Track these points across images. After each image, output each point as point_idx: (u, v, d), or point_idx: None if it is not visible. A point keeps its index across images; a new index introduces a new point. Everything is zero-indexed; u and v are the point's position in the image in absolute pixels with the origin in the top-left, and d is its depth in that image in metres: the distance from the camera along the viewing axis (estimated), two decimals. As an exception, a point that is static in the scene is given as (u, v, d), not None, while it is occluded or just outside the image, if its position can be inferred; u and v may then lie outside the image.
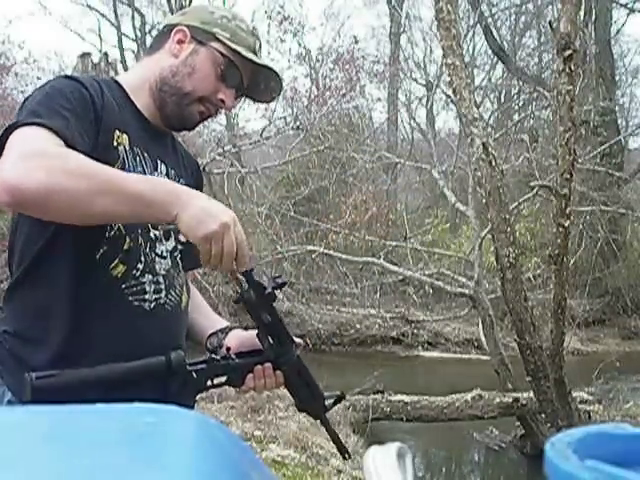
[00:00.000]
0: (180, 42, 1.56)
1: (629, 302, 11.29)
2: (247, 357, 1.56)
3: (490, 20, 13.65)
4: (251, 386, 1.56)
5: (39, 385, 1.26)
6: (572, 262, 8.45)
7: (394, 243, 10.63)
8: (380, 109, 15.33)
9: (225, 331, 1.66)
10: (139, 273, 1.47)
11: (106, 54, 6.07)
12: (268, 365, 1.56)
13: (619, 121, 12.81)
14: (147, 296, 1.48)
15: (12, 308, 1.45)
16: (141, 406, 0.55)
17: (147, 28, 18.85)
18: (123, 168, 1.44)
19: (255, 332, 1.57)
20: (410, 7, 16.48)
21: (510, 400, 6.21)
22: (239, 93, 1.60)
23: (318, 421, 1.69)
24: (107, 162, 1.36)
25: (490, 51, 13.75)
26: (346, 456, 1.72)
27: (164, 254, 1.54)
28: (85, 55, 5.99)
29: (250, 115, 26.57)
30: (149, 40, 18.92)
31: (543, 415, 5.90)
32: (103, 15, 18.74)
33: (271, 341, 1.55)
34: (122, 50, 18.26)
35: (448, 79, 5.86)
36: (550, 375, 5.54)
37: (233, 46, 1.56)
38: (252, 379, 1.55)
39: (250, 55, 1.58)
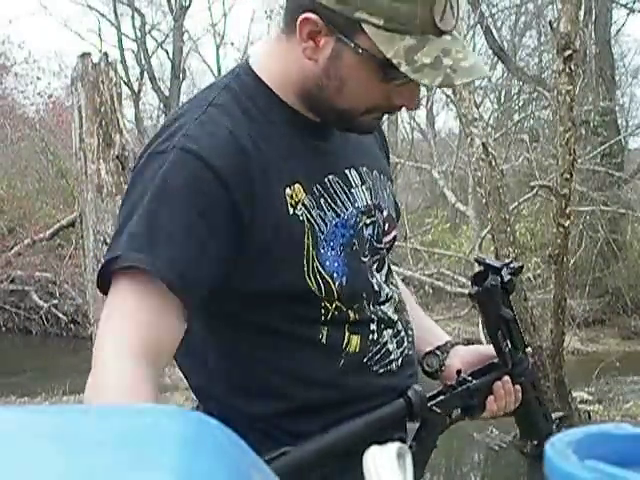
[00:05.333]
0: (311, 37, 1.07)
1: (629, 302, 11.27)
2: (484, 375, 1.27)
3: (490, 20, 13.64)
4: (493, 410, 1.27)
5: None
6: (572, 262, 8.44)
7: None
8: (380, 109, 15.28)
9: (445, 349, 1.34)
10: (377, 335, 1.19)
11: (106, 54, 6.06)
12: (507, 379, 1.27)
13: (619, 121, 12.79)
14: (393, 356, 1.21)
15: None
16: (140, 406, 0.55)
17: (147, 28, 18.85)
18: (316, 238, 1.12)
19: (476, 347, 1.35)
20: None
21: (510, 400, 6.21)
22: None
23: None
24: (293, 245, 1.10)
25: (490, 51, 13.73)
26: None
27: (388, 294, 1.23)
28: (85, 55, 5.98)
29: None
30: (149, 40, 18.95)
31: (543, 415, 5.90)
32: (103, 15, 18.74)
33: (509, 346, 1.27)
34: (122, 50, 18.26)
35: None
36: (550, 375, 5.54)
37: (385, 45, 1.03)
38: (493, 402, 1.26)
39: (418, 43, 1.02)
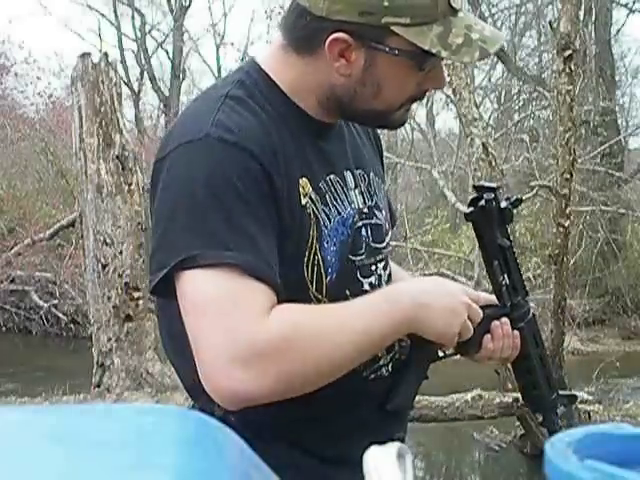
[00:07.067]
0: (341, 54, 1.10)
1: (629, 302, 11.27)
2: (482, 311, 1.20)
3: (490, 20, 13.63)
4: (489, 348, 1.21)
5: None
6: (572, 262, 8.44)
7: (394, 243, 10.62)
8: (380, 109, 15.24)
9: None
10: None
11: (106, 54, 6.05)
12: (505, 320, 1.21)
13: (619, 121, 12.78)
14: (382, 361, 1.22)
15: None
16: (141, 406, 0.55)
17: (147, 28, 18.84)
18: (320, 232, 1.15)
19: (475, 291, 1.26)
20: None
21: (510, 400, 6.21)
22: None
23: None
24: (302, 234, 1.13)
25: (490, 51, 13.71)
26: None
27: None
28: (85, 55, 5.98)
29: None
30: (149, 40, 18.94)
31: (543, 415, 5.89)
32: (103, 15, 18.73)
33: (507, 281, 1.22)
34: (122, 50, 18.26)
35: (448, 79, 5.85)
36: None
37: (420, 39, 1.07)
38: (490, 340, 1.21)
39: (445, 27, 1.08)
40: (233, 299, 1.01)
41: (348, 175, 1.23)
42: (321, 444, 1.18)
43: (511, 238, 1.22)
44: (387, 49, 1.09)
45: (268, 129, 1.11)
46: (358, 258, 1.21)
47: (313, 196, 1.14)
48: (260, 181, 1.07)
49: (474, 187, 1.24)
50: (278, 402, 1.11)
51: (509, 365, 1.29)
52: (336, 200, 1.18)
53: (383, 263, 1.26)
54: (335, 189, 1.19)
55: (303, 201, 1.13)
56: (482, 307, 1.22)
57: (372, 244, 1.24)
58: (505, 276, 1.21)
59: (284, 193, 1.10)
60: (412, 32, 1.07)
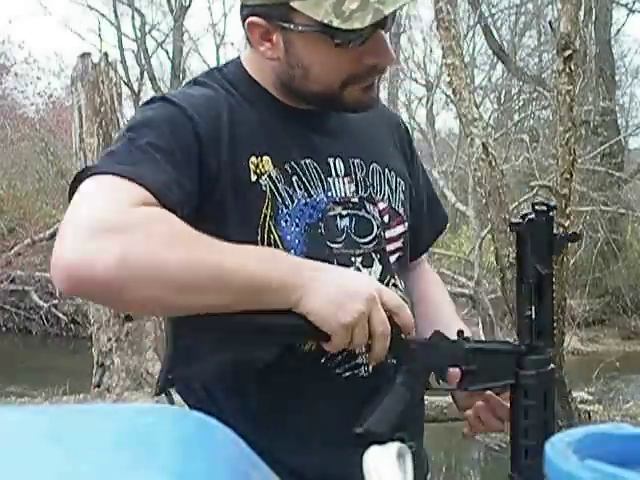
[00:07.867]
0: (264, 38, 1.12)
1: (629, 302, 11.27)
2: (491, 343, 1.10)
3: (490, 20, 13.64)
4: (489, 395, 1.13)
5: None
6: (572, 262, 8.44)
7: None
8: (380, 109, 15.23)
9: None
10: None
11: (106, 54, 6.06)
12: (506, 398, 1.10)
13: (619, 121, 12.80)
14: (360, 359, 1.13)
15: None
16: (140, 406, 0.55)
17: (147, 28, 18.83)
18: (277, 210, 1.12)
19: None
20: (410, 7, 16.42)
21: (510, 400, 6.21)
22: (385, 29, 1.13)
23: None
24: (249, 211, 1.10)
25: (490, 51, 13.73)
26: None
27: None
28: (85, 55, 5.98)
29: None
30: (149, 40, 18.93)
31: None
32: (103, 15, 18.70)
33: (533, 315, 1.01)
34: (122, 50, 18.23)
35: (448, 79, 5.86)
36: (550, 375, 5.53)
37: (315, 11, 1.05)
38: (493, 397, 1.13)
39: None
40: (110, 193, 0.99)
41: (336, 162, 1.20)
42: (300, 456, 1.12)
43: (554, 270, 1.04)
44: (292, 26, 1.08)
45: (221, 109, 1.13)
46: (335, 246, 1.16)
47: (274, 175, 1.13)
48: (187, 136, 1.07)
49: (533, 205, 1.07)
50: (252, 407, 1.10)
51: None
52: (307, 183, 1.16)
53: (361, 258, 1.17)
54: (309, 173, 1.16)
55: (253, 178, 1.11)
56: (494, 341, 1.15)
57: (353, 236, 1.18)
58: (532, 308, 1.02)
59: (220, 165, 1.09)
60: (308, 5, 1.05)
